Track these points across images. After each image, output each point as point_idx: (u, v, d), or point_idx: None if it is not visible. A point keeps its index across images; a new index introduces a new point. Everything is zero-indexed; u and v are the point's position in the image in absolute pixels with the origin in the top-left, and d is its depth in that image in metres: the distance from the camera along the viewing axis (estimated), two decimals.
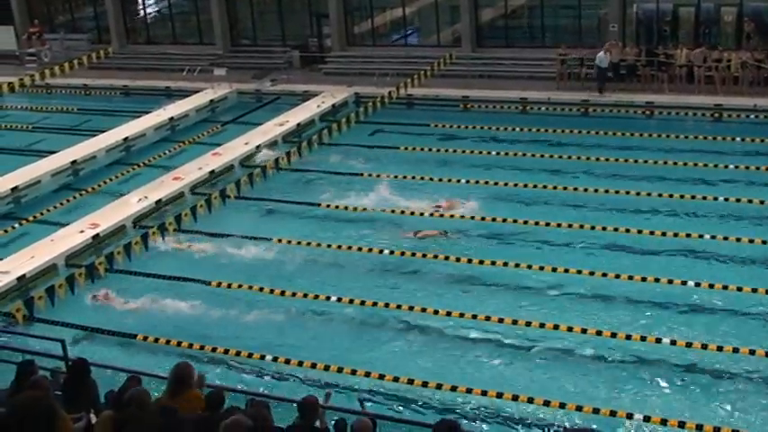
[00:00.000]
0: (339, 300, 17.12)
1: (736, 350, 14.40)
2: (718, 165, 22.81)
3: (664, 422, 12.73)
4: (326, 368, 14.65)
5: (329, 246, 19.56)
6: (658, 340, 14.85)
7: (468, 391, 13.76)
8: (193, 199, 23.01)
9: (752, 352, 14.28)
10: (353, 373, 14.46)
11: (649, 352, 14.68)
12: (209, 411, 8.90)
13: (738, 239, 18.45)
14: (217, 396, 9.17)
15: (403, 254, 18.97)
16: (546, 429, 12.84)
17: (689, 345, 14.63)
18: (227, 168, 25.16)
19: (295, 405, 9.59)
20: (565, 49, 30.84)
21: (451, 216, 20.89)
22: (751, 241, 18.33)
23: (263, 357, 15.16)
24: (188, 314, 16.87)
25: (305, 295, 17.34)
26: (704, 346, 14.53)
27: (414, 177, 23.46)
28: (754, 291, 16.29)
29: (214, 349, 15.46)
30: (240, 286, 17.91)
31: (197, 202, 22.28)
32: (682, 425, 12.63)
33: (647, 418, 12.78)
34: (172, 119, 30.31)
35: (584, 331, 15.24)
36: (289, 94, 32.38)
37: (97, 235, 20.50)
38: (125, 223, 21.35)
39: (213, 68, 35.41)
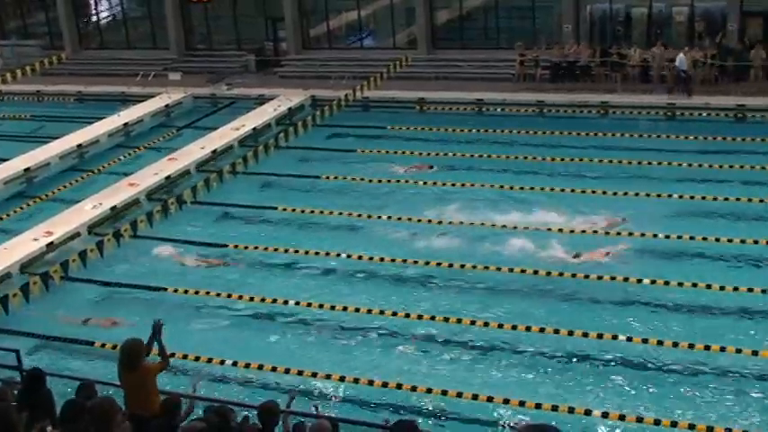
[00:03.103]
0: (292, 302, 17.09)
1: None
2: (672, 162, 23.09)
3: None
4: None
5: (286, 251, 19.48)
6: None
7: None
8: (150, 205, 22.82)
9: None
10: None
11: None
12: (166, 417, 8.82)
13: (692, 237, 18.65)
14: (172, 402, 9.08)
15: (360, 257, 18.99)
16: None
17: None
18: (184, 173, 24.97)
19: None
20: (521, 49, 31.07)
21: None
22: (704, 239, 18.54)
23: (222, 362, 15.08)
24: (146, 321, 16.64)
25: (262, 300, 17.28)
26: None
27: (371, 180, 23.49)
28: (708, 287, 16.49)
29: (172, 355, 15.28)
30: (197, 293, 17.76)
31: (153, 207, 22.10)
32: (640, 419, 12.80)
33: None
34: (126, 124, 30.04)
35: None
36: (245, 98, 32.23)
37: (51, 243, 20.24)
38: (80, 230, 21.10)
39: (168, 73, 35.18)
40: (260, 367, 14.85)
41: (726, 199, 20.57)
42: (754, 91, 27.67)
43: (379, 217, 21.10)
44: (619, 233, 19.14)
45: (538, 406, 13.15)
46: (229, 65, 36.07)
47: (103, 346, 15.73)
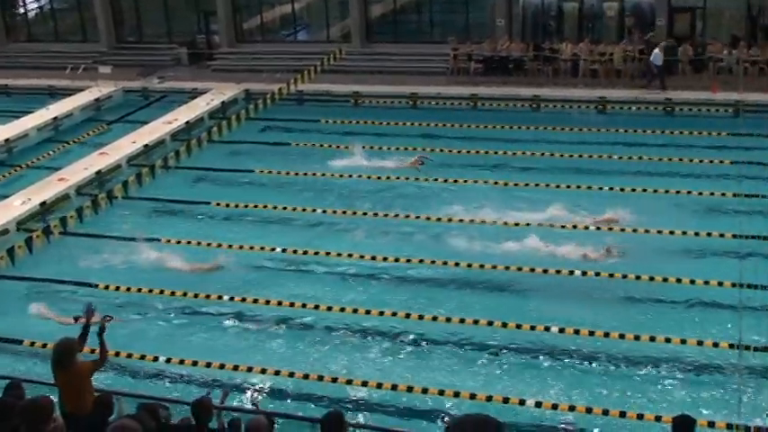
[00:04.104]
0: (226, 297, 17.00)
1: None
2: (603, 156, 23.44)
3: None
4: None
5: (219, 245, 19.32)
6: None
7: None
8: (80, 200, 22.45)
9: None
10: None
11: None
12: (97, 416, 8.71)
13: (623, 229, 18.96)
14: (104, 400, 8.98)
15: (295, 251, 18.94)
16: None
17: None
18: (115, 168, 24.60)
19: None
20: (455, 43, 31.25)
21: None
22: (634, 231, 18.86)
23: (156, 359, 14.92)
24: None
25: (196, 296, 17.12)
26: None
27: (306, 174, 23.44)
28: (637, 277, 16.77)
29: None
30: (129, 289, 17.53)
31: (83, 203, 21.76)
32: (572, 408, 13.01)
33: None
34: (56, 118, 29.56)
35: None
36: (177, 92, 31.89)
37: None
38: (8, 227, 20.68)
39: (98, 66, 34.65)
40: (194, 363, 14.73)
41: (655, 191, 20.92)
42: (682, 85, 28.21)
43: (314, 210, 21.06)
44: (552, 225, 19.36)
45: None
46: (161, 58, 35.60)
47: (32, 344, 15.45)
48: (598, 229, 19.11)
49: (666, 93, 27.75)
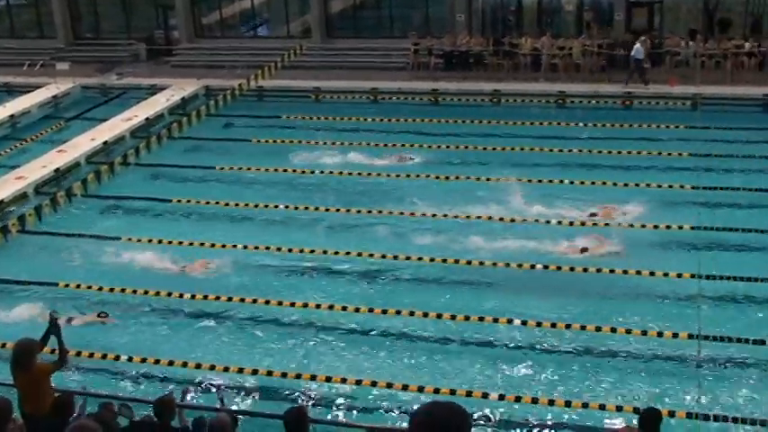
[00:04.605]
0: (188, 295, 16.88)
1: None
2: (563, 149, 23.61)
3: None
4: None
5: (180, 242, 19.20)
6: None
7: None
8: (38, 198, 22.20)
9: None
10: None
11: None
12: (57, 417, 8.63)
13: (583, 223, 19.10)
14: (64, 401, 8.90)
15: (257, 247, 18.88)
16: None
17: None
18: (74, 166, 24.36)
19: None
20: (415, 38, 31.30)
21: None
22: (594, 224, 19.01)
23: (117, 358, 14.81)
24: (36, 316, 16.22)
25: (157, 293, 16.99)
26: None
27: (267, 170, 23.37)
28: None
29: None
30: (89, 287, 17.36)
31: (42, 201, 21.51)
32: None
33: None
34: (12, 116, 29.17)
35: None
36: (136, 88, 31.61)
37: None
38: None
39: (55, 63, 34.18)
40: (156, 362, 14.64)
41: (614, 184, 21.09)
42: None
43: (276, 206, 20.99)
44: (513, 219, 19.47)
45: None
46: (119, 54, 35.30)
47: None
48: (559, 223, 19.26)
49: (648, 87, 27.74)
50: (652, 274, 16.65)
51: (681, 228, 18.57)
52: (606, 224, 19.03)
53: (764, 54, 28.52)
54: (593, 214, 19.56)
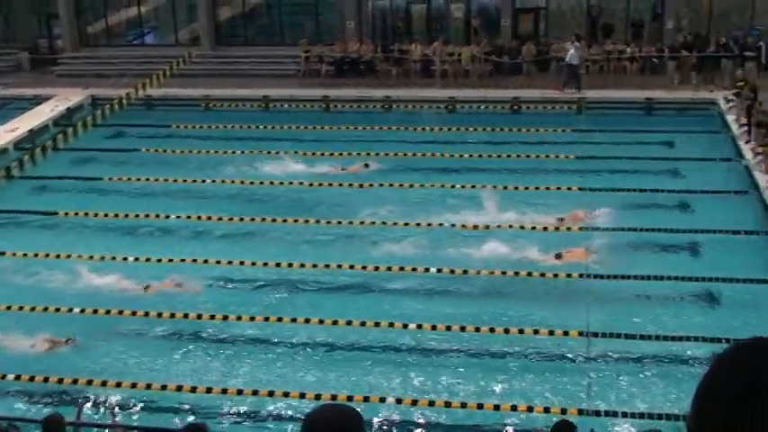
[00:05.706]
0: (77, 309, 16.44)
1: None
2: (454, 154, 23.92)
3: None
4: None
5: (69, 256, 18.68)
6: None
7: None
8: None
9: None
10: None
11: None
12: None
13: (476, 226, 19.39)
14: None
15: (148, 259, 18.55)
16: None
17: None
18: None
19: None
20: (306, 45, 31.28)
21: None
22: (487, 227, 19.32)
23: (3, 377, 14.35)
24: None
25: (45, 309, 16.53)
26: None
27: (157, 180, 23.01)
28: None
29: None
30: None
31: None
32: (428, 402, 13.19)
33: None
34: None
35: None
36: (19, 99, 30.64)
37: None
38: None
39: None
40: (45, 380, 14.24)
41: (505, 188, 21.43)
42: (527, 84, 29.08)
43: (168, 217, 20.67)
44: (407, 224, 19.62)
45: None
46: (0, 64, 34.22)
47: None
48: (462, 227, 19.50)
49: (582, 93, 27.84)
50: (542, 275, 17.02)
51: (569, 229, 19.04)
52: (498, 226, 19.33)
53: (645, 59, 29.45)
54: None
